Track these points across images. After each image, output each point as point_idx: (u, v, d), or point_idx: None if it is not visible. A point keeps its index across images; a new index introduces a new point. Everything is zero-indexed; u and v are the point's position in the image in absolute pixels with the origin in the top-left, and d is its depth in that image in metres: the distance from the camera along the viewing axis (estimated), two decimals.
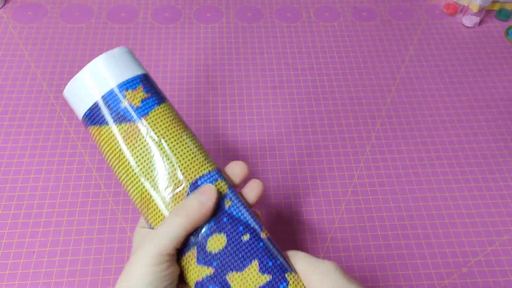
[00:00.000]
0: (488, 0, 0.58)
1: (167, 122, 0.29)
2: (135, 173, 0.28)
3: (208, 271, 0.27)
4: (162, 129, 0.29)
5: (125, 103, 0.28)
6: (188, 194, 0.28)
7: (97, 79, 0.29)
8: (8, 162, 0.46)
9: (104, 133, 0.28)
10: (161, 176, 0.28)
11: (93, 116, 0.29)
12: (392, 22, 0.62)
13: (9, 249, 0.41)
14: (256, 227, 0.28)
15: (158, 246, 0.26)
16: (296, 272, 0.28)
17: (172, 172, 0.28)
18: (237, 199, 0.29)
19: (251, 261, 0.27)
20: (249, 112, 0.52)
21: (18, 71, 0.54)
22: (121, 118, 0.28)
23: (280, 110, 0.52)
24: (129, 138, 0.28)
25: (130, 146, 0.28)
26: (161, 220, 0.28)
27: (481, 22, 0.63)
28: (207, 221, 0.28)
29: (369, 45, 0.59)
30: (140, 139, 0.28)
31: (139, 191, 0.28)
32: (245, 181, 0.43)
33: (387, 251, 0.43)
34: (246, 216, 0.28)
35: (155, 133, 0.28)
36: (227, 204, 0.28)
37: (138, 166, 0.28)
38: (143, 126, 0.28)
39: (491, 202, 0.46)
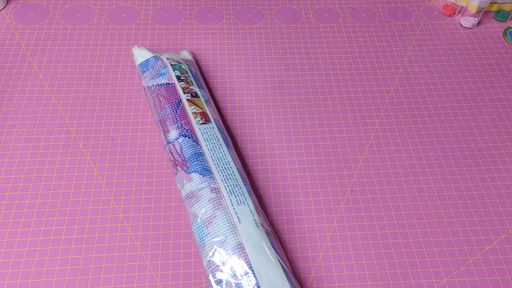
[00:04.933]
0: (486, 1, 0.59)
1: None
2: None
3: None
4: None
5: None
6: None
7: None
8: (11, 162, 0.47)
9: None
10: None
11: None
12: (391, 23, 0.63)
13: (11, 248, 0.42)
14: None
15: None
16: None
17: None
18: None
19: None
20: (249, 113, 0.52)
21: (20, 72, 0.54)
22: None
23: (280, 111, 0.53)
24: None
25: None
26: None
27: (479, 23, 0.63)
28: None
29: (368, 46, 0.60)
30: None
31: None
32: None
33: (385, 249, 0.43)
34: None
35: None
36: None
37: None
38: None
39: (489, 201, 0.47)
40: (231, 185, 0.41)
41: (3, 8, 0.61)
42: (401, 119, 0.53)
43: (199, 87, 0.49)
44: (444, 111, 0.54)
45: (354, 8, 0.64)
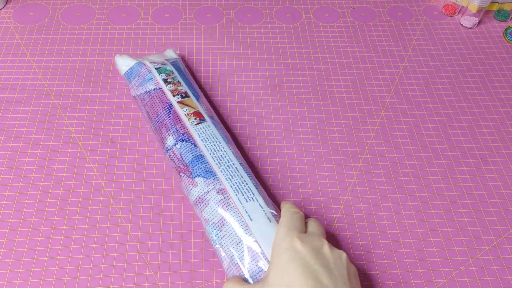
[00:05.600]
0: (487, 1, 0.59)
1: None
2: None
3: None
4: None
5: None
6: None
7: None
8: (10, 162, 0.47)
9: None
10: None
11: None
12: (391, 22, 0.63)
13: (10, 248, 0.42)
14: None
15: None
16: None
17: None
18: None
19: None
20: (249, 113, 0.52)
21: (20, 71, 0.54)
22: None
23: (280, 110, 0.53)
24: None
25: None
26: None
27: (479, 23, 0.63)
28: None
29: (368, 45, 0.60)
30: None
31: None
32: None
33: (385, 250, 0.43)
34: None
35: None
36: None
37: None
38: None
39: (490, 201, 0.47)
40: (236, 183, 0.40)
41: (3, 7, 0.61)
42: (401, 119, 0.53)
43: (188, 85, 0.48)
44: (445, 111, 0.54)
45: (354, 8, 0.64)
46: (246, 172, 0.42)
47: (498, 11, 0.64)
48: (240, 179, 0.40)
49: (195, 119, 0.44)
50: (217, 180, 0.40)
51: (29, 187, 0.45)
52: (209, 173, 0.41)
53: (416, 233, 0.44)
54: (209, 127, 0.44)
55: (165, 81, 0.47)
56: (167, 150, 0.44)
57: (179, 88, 0.46)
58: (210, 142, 0.43)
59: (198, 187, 0.40)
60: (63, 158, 0.47)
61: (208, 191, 0.40)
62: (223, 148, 0.43)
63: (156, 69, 0.48)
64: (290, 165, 0.48)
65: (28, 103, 0.52)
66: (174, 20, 0.61)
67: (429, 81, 0.56)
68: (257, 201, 0.39)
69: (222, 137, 0.44)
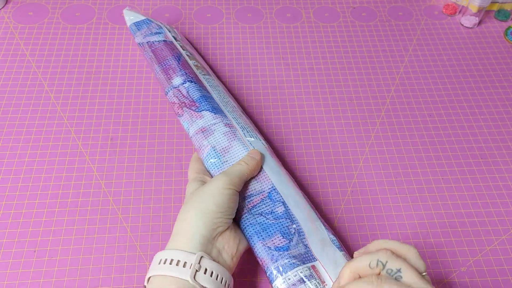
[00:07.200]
0: (487, 1, 0.59)
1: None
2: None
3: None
4: None
5: None
6: None
7: None
8: (9, 162, 0.47)
9: None
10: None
11: None
12: (392, 22, 0.63)
13: (10, 248, 0.41)
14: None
15: (229, 177, 0.37)
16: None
17: None
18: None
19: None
20: (249, 112, 0.52)
21: (19, 71, 0.54)
22: None
23: (280, 110, 0.52)
24: None
25: None
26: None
27: (480, 23, 0.63)
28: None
29: (368, 45, 0.60)
30: None
31: None
32: None
33: None
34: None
35: None
36: None
37: None
38: None
39: (490, 201, 0.46)
40: (241, 123, 0.43)
41: (2, 7, 0.61)
42: (402, 119, 0.52)
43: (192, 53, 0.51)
44: (445, 111, 0.53)
45: (354, 8, 0.64)
46: (250, 122, 0.45)
47: (499, 11, 0.64)
48: (244, 121, 0.44)
49: (203, 70, 0.47)
50: (225, 116, 0.43)
51: (29, 187, 0.45)
52: (216, 110, 0.43)
53: (416, 234, 0.44)
54: (215, 81, 0.47)
55: (175, 38, 0.50)
56: (172, 88, 0.45)
57: (187, 47, 0.50)
58: (216, 91, 0.46)
59: (204, 119, 0.43)
60: (62, 158, 0.47)
61: (215, 123, 0.42)
62: (228, 98, 0.46)
63: (165, 27, 0.52)
64: (291, 165, 0.48)
65: (28, 103, 0.51)
66: (174, 19, 0.61)
67: (429, 81, 0.56)
68: (260, 139, 0.43)
69: (227, 94, 0.48)
